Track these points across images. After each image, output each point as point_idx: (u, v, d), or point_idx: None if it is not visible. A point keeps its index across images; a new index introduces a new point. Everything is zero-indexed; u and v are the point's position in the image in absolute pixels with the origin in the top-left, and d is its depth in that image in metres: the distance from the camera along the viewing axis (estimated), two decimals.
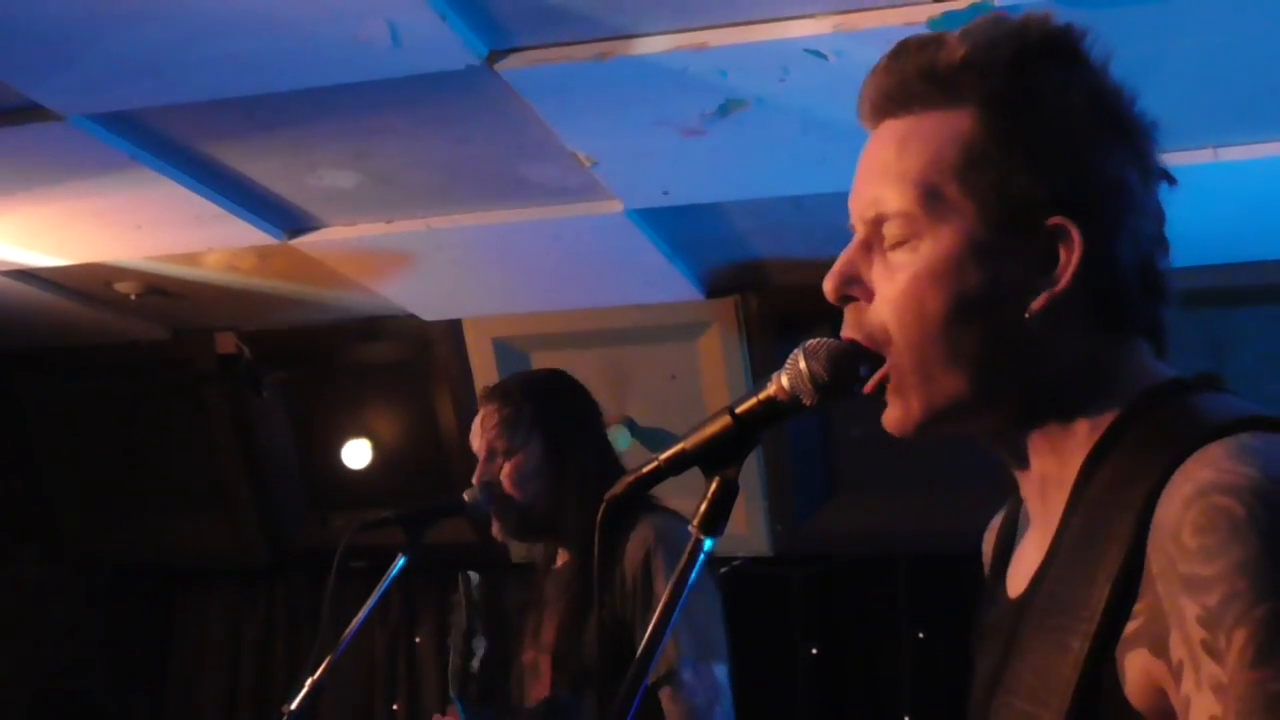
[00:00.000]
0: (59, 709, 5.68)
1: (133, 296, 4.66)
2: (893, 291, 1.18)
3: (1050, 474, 1.20)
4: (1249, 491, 0.98)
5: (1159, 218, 1.22)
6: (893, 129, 1.22)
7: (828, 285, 1.22)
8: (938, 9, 2.59)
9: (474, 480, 2.86)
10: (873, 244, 1.21)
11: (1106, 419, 1.16)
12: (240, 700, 5.76)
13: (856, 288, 1.21)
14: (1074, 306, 1.16)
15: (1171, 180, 1.23)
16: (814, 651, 5.03)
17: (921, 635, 4.87)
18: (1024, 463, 1.22)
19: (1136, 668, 1.04)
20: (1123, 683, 1.05)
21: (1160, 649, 1.02)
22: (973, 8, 2.57)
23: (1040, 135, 1.16)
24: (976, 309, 1.16)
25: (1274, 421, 1.07)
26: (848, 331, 1.22)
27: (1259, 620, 0.95)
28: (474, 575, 2.92)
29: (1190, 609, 0.99)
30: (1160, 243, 1.22)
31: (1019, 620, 1.18)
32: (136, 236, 3.99)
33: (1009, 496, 1.39)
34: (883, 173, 1.20)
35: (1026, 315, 1.15)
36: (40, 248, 4.12)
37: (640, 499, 2.73)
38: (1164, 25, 2.67)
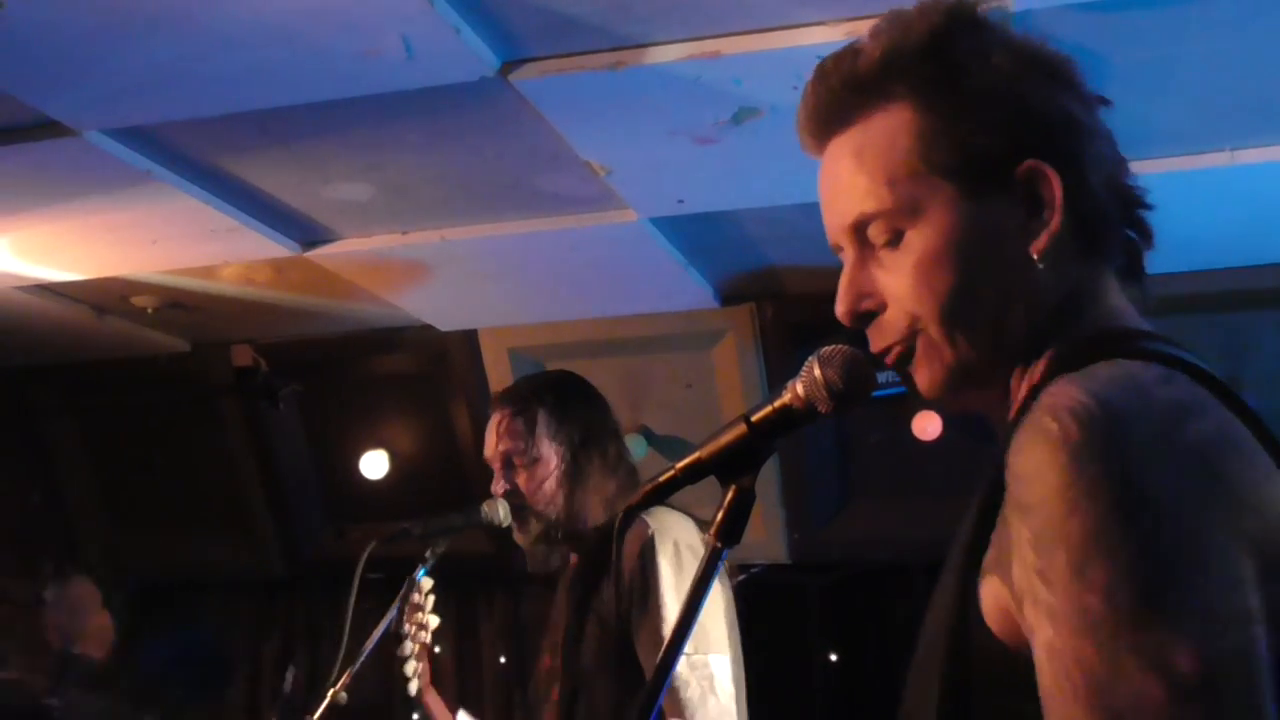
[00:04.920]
0: None
1: (150, 310, 4.68)
2: (902, 287, 1.20)
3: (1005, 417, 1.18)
4: (1067, 411, 0.99)
5: (1110, 138, 1.24)
6: (841, 145, 1.25)
7: (841, 309, 1.23)
8: None
9: (493, 490, 2.82)
10: (865, 256, 1.23)
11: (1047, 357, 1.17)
12: (260, 713, 5.76)
13: (868, 301, 1.23)
14: (1067, 240, 1.18)
15: (1106, 102, 1.25)
16: (832, 658, 5.02)
17: None
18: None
19: (989, 595, 1.06)
20: (981, 611, 1.06)
21: (1007, 574, 1.03)
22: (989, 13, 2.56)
23: (978, 98, 1.19)
24: (984, 272, 1.18)
25: (1146, 352, 1.08)
26: (875, 345, 1.23)
27: (1070, 538, 0.96)
28: (424, 580, 2.88)
29: (1024, 534, 0.99)
30: (1119, 162, 1.24)
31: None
32: (153, 250, 4.00)
33: None
34: (850, 185, 1.23)
35: (1035, 259, 1.17)
36: (57, 262, 4.13)
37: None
38: (1180, 28, 2.66)
